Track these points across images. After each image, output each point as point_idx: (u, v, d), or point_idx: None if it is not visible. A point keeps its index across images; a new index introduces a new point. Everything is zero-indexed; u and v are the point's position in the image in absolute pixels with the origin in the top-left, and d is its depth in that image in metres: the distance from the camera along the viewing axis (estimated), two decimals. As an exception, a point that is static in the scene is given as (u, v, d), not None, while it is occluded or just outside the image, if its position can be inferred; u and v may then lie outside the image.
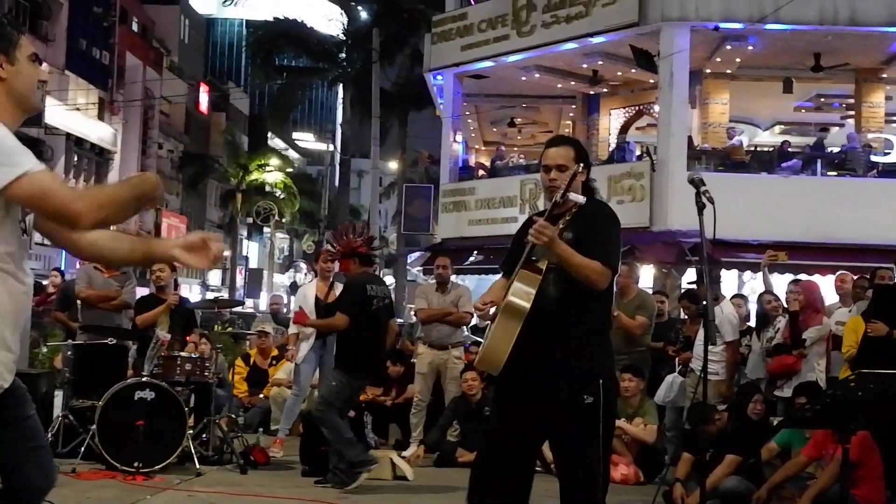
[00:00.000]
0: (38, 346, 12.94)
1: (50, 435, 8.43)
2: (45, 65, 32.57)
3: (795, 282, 9.64)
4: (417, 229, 28.71)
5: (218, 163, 49.97)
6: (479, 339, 10.75)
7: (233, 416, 10.38)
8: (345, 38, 36.85)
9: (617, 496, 8.21)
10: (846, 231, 16.49)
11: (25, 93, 2.95)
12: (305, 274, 52.48)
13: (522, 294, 4.27)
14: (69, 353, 8.98)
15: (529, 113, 26.46)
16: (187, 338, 9.41)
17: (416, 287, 15.62)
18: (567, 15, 19.35)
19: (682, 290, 11.58)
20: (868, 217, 16.66)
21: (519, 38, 20.35)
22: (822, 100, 22.86)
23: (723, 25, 18.12)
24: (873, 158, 19.01)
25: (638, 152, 19.98)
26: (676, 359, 10.03)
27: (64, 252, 20.63)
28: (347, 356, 8.12)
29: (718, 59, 20.13)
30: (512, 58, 20.99)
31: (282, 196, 48.04)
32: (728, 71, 20.86)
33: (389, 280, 37.58)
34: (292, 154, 65.73)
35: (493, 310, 4.46)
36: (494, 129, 28.38)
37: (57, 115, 33.98)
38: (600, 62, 20.97)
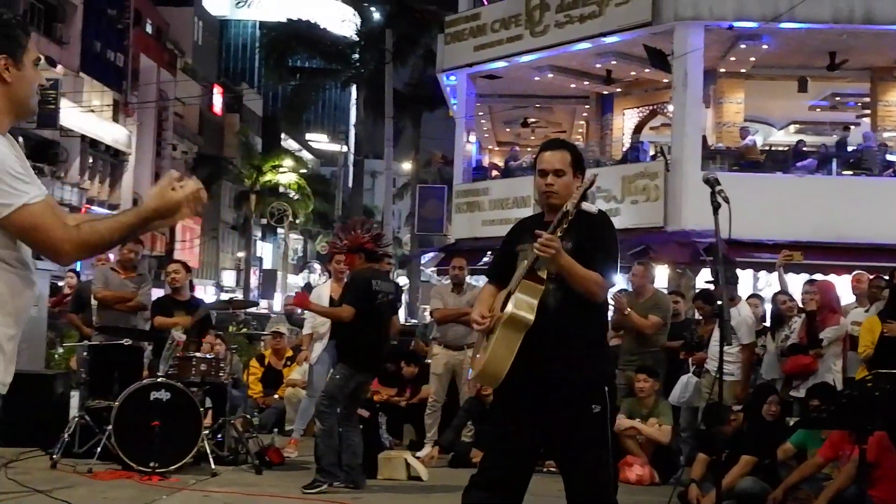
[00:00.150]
0: (53, 347, 13.00)
1: (66, 435, 8.48)
2: (59, 67, 32.83)
3: (811, 282, 9.59)
4: (431, 230, 28.71)
5: (232, 164, 50.12)
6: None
7: (248, 416, 10.41)
8: (358, 38, 36.95)
9: (632, 497, 8.21)
10: (862, 231, 16.40)
11: (26, 98, 2.92)
12: (320, 275, 52.53)
13: (526, 306, 4.21)
14: (84, 353, 9.01)
15: (543, 113, 26.43)
16: (202, 339, 9.42)
17: (430, 288, 15.64)
18: (580, 15, 19.32)
19: (697, 291, 11.54)
20: (884, 216, 16.57)
21: (532, 38, 20.33)
22: (838, 99, 22.76)
23: (737, 24, 18.06)
24: (889, 157, 18.90)
25: (652, 152, 19.92)
26: (689, 360, 10.00)
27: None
28: (349, 350, 8.15)
29: (733, 59, 20.06)
30: (525, 58, 20.96)
31: (295, 197, 48.14)
32: (742, 70, 20.79)
33: (403, 281, 37.62)
34: (306, 155, 65.86)
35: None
36: (508, 130, 28.36)
37: (72, 116, 34.11)
38: (614, 62, 20.93)
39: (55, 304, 12.98)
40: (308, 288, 31.01)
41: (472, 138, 24.42)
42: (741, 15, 17.90)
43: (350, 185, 46.16)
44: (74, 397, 9.42)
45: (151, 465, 8.02)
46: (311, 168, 61.57)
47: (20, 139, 23.58)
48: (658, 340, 9.85)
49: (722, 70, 20.74)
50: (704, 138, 19.09)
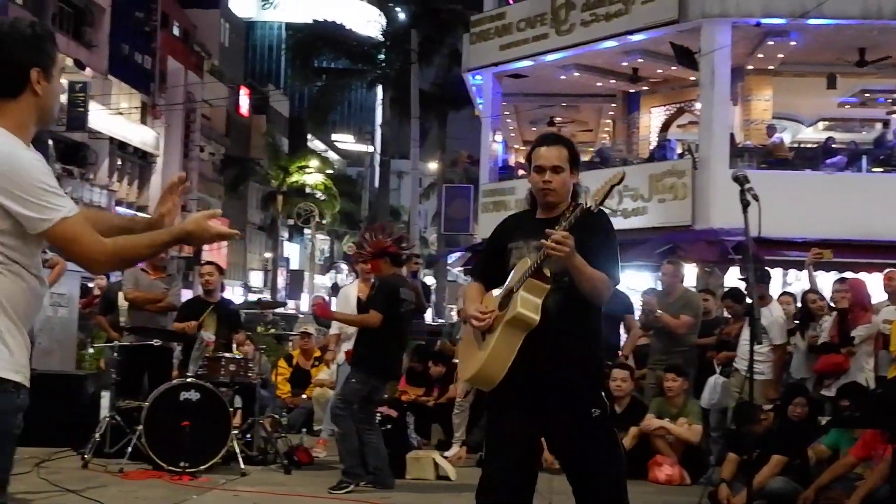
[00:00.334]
0: (84, 348, 13.09)
1: (97, 435, 8.54)
2: (88, 70, 33.09)
3: (842, 280, 9.52)
4: (457, 230, 28.71)
5: (259, 165, 50.32)
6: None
7: (276, 416, 10.43)
8: (383, 39, 37.05)
9: (662, 497, 8.19)
10: (893, 228, 16.24)
11: (52, 108, 3.00)
12: (346, 275, 52.67)
13: (531, 306, 4.09)
14: (115, 354, 9.07)
15: (569, 112, 26.37)
16: (232, 339, 9.45)
17: (457, 287, 15.64)
18: (606, 13, 19.27)
19: (726, 289, 11.47)
20: (915, 214, 16.43)
21: (558, 36, 20.29)
22: (867, 95, 22.55)
23: (764, 21, 17.96)
24: (919, 154, 18.75)
25: (679, 150, 19.86)
26: (714, 360, 9.94)
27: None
28: (369, 355, 8.10)
29: (760, 56, 19.94)
30: (551, 57, 20.92)
31: (322, 197, 48.26)
32: (770, 67, 20.65)
33: (430, 280, 37.63)
34: (332, 156, 66.04)
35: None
36: (534, 129, 28.28)
37: (100, 119, 34.38)
38: (640, 60, 20.85)
39: (85, 305, 13.07)
40: (335, 288, 31.03)
41: (498, 138, 24.41)
42: (769, 11, 17.80)
43: (376, 185, 46.28)
44: (105, 398, 9.47)
45: (182, 464, 8.07)
46: (338, 168, 61.72)
47: (49, 142, 23.81)
48: (688, 339, 9.81)
49: (749, 67, 20.61)
50: (732, 136, 18.99)
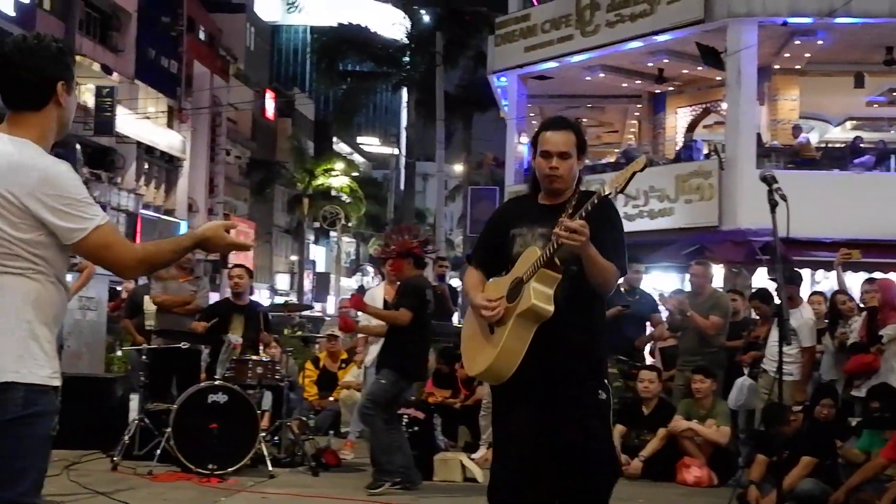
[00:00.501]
0: (112, 351, 13.17)
1: (126, 438, 8.60)
2: (115, 74, 33.34)
3: (870, 280, 9.45)
4: (483, 231, 28.67)
5: (284, 168, 50.48)
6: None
7: (303, 418, 10.46)
8: (408, 41, 37.04)
9: (690, 499, 8.16)
10: (922, 228, 16.13)
11: (70, 120, 3.13)
12: (372, 277, 52.75)
13: (544, 297, 3.96)
14: (143, 357, 9.13)
15: (594, 113, 26.31)
16: (259, 342, 9.47)
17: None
18: (631, 13, 19.22)
19: (754, 290, 11.41)
20: (944, 213, 16.28)
21: (583, 37, 20.26)
22: (895, 94, 22.39)
23: (791, 20, 17.86)
24: (949, 153, 18.58)
25: (706, 151, 19.76)
26: (742, 361, 9.89)
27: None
28: (399, 357, 8.11)
29: (787, 55, 19.83)
30: (576, 58, 20.89)
31: (348, 200, 48.36)
32: (797, 66, 20.53)
33: (456, 283, 37.58)
34: (357, 158, 66.15)
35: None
36: (559, 130, 28.23)
37: (127, 123, 34.60)
38: (666, 60, 20.77)
39: (113, 308, 13.14)
40: (361, 291, 31.15)
41: (524, 139, 24.36)
42: (795, 10, 17.71)
43: (402, 187, 46.25)
44: (134, 400, 9.54)
45: (210, 466, 8.10)
46: (363, 171, 61.84)
47: (77, 146, 23.98)
48: (717, 340, 9.76)
49: (776, 67, 20.50)
50: (759, 136, 18.90)
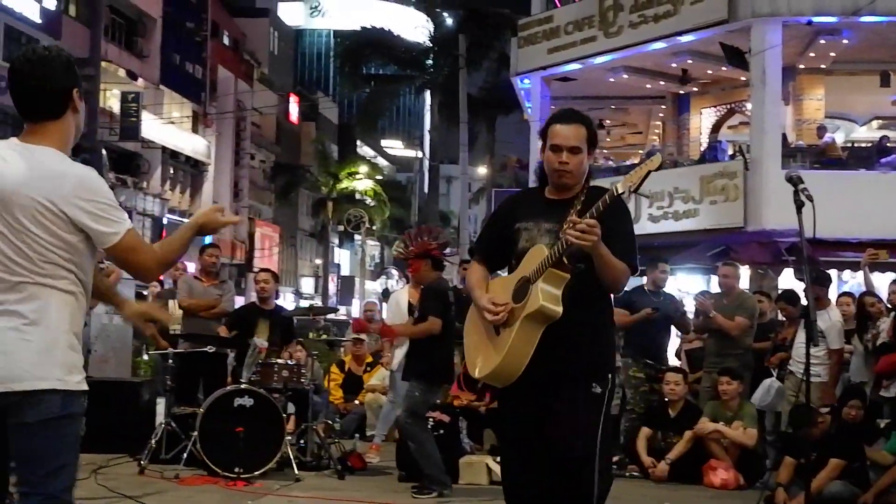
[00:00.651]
0: (139, 356, 13.25)
1: (153, 442, 8.64)
2: (140, 80, 33.57)
3: (898, 280, 9.39)
4: (507, 234, 28.62)
5: (309, 172, 50.60)
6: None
7: (329, 422, 10.49)
8: (431, 44, 37.09)
9: (718, 501, 8.12)
10: (949, 227, 15.96)
11: (82, 125, 3.24)
12: (397, 280, 52.83)
13: (553, 298, 3.86)
14: (170, 361, 9.18)
15: (618, 114, 26.24)
16: (285, 347, 9.49)
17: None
18: (655, 14, 19.17)
19: (780, 292, 11.34)
20: (972, 212, 16.12)
21: (606, 39, 20.21)
22: (921, 93, 22.22)
23: (815, 19, 17.75)
24: (977, 152, 18.40)
25: (730, 151, 19.65)
26: (769, 363, 9.82)
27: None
28: (429, 365, 8.04)
29: (812, 55, 19.71)
30: (599, 59, 20.85)
31: (372, 203, 48.42)
32: (822, 66, 20.40)
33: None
34: (381, 161, 66.23)
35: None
36: (583, 132, 28.17)
37: (153, 128, 34.82)
38: (690, 61, 20.69)
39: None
40: (385, 294, 31.17)
41: (547, 141, 24.34)
42: (820, 10, 17.60)
43: (426, 190, 46.30)
44: (160, 404, 9.59)
45: (236, 470, 8.12)
46: (387, 174, 61.87)
47: (103, 151, 24.14)
48: (744, 342, 9.70)
49: (801, 66, 20.38)
50: (784, 136, 18.79)
